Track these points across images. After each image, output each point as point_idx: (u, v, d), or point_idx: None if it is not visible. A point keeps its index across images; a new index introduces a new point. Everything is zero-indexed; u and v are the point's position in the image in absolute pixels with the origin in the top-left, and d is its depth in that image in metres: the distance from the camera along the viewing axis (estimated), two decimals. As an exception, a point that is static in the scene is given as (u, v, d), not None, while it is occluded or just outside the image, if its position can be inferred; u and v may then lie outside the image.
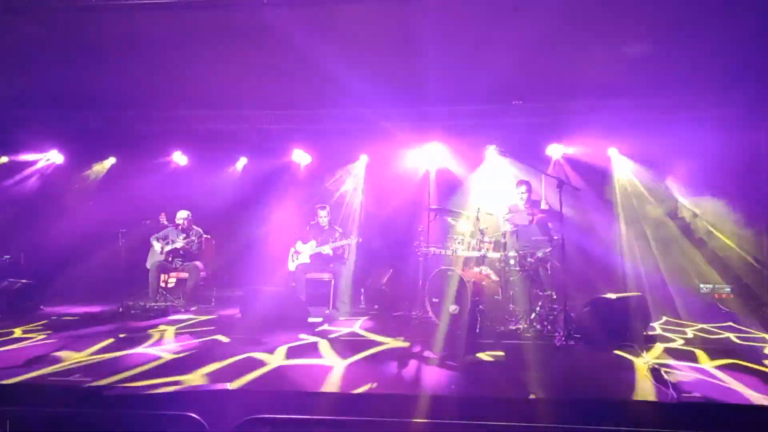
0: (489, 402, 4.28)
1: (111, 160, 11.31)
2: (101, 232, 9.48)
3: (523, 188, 7.70)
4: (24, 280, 8.32)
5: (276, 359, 5.44)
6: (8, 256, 9.07)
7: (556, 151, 10.12)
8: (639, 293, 6.97)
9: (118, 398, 3.72)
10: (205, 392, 3.88)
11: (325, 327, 7.21)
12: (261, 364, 5.25)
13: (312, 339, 6.41)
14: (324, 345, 6.10)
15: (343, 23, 7.32)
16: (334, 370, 5.03)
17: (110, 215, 9.88)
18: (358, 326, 7.30)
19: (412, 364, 5.33)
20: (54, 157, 11.39)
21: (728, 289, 8.39)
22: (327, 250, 8.54)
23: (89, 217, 11.41)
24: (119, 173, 11.25)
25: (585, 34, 7.39)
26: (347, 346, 6.07)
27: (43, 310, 8.23)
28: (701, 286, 8.68)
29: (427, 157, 10.43)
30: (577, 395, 4.40)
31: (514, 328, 6.66)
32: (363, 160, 11.01)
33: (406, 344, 6.12)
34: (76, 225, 11.45)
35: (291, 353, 5.72)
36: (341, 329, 7.06)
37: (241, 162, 11.44)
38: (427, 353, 5.77)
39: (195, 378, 4.59)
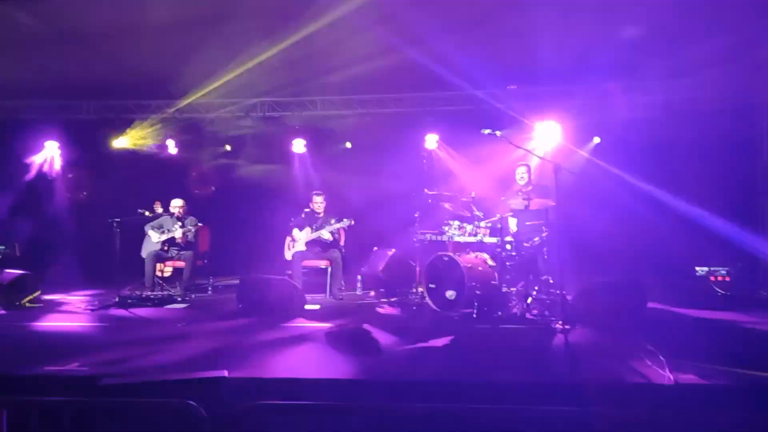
0: (488, 386, 4.29)
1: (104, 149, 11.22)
2: (96, 221, 9.44)
3: (523, 170, 7.66)
4: (20, 271, 8.28)
5: (274, 346, 5.44)
6: (3, 247, 9.01)
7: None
8: (633, 276, 6.98)
9: (116, 386, 3.71)
10: (204, 379, 3.88)
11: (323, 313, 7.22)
12: (259, 351, 5.25)
13: (309, 324, 6.42)
14: (321, 331, 6.11)
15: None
16: (331, 354, 5.03)
17: (105, 204, 9.85)
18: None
19: (412, 349, 5.34)
20: (48, 146, 11.34)
21: (724, 272, 8.38)
22: (326, 234, 8.49)
23: (84, 206, 11.42)
24: (113, 162, 11.19)
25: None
26: (345, 331, 6.09)
27: (41, 301, 8.19)
28: (697, 268, 8.69)
29: (424, 142, 10.43)
30: (574, 379, 4.42)
31: (510, 313, 6.68)
32: (356, 145, 11.00)
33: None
34: (71, 215, 11.45)
35: (291, 339, 5.72)
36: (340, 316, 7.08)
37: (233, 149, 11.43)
38: (426, 338, 5.78)
39: (192, 365, 4.60)
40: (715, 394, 3.97)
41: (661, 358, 4.75)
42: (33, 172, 11.51)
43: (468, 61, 8.83)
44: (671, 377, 4.19)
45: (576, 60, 8.80)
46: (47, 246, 11.02)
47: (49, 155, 11.50)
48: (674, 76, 9.65)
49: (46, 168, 11.56)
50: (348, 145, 11.12)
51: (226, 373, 4.03)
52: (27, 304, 7.77)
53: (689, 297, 8.12)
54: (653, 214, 9.87)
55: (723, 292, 8.05)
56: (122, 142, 10.92)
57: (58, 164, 11.59)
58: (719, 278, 8.33)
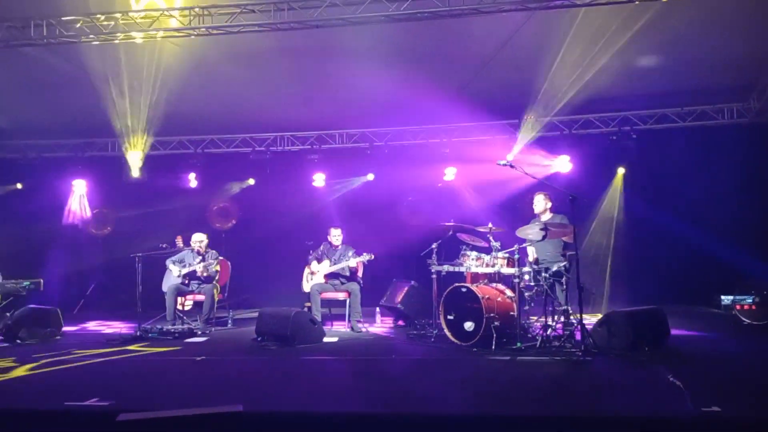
0: (507, 419, 4.23)
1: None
2: (119, 256, 9.62)
3: (541, 198, 7.64)
4: (44, 306, 8.42)
5: (292, 379, 5.44)
6: (28, 282, 9.17)
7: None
8: (656, 306, 6.87)
9: (134, 422, 3.74)
10: (219, 414, 3.89)
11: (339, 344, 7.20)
12: (277, 384, 5.26)
13: (328, 357, 6.40)
14: (340, 363, 6.08)
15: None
16: (349, 387, 5.01)
17: (127, 239, 10.05)
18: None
19: (430, 381, 5.30)
20: (74, 183, 11.65)
21: (750, 300, 8.20)
22: (351, 263, 8.52)
23: (107, 242, 11.63)
24: (137, 198, 11.42)
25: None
26: (363, 364, 6.07)
27: (63, 336, 8.30)
28: (722, 297, 8.53)
29: (440, 173, 10.50)
30: (596, 411, 4.34)
31: (530, 344, 6.59)
32: (372, 177, 11.10)
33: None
34: (95, 250, 11.67)
35: (309, 372, 5.72)
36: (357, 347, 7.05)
37: (254, 183, 11.60)
38: (445, 371, 5.74)
39: (209, 399, 4.62)
40: (739, 426, 3.87)
41: (684, 389, 4.66)
42: (59, 209, 11.79)
43: (484, 92, 8.95)
44: (694, 409, 4.10)
45: (593, 91, 8.85)
46: (71, 281, 11.23)
47: (75, 192, 11.79)
48: (693, 104, 9.66)
49: (72, 205, 11.85)
50: (370, 177, 11.21)
51: (241, 408, 4.04)
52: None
53: (714, 326, 7.97)
54: (676, 242, 9.78)
55: (749, 321, 7.86)
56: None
57: (84, 201, 11.87)
58: (745, 307, 8.15)
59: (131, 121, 9.71)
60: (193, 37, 7.15)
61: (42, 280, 9.10)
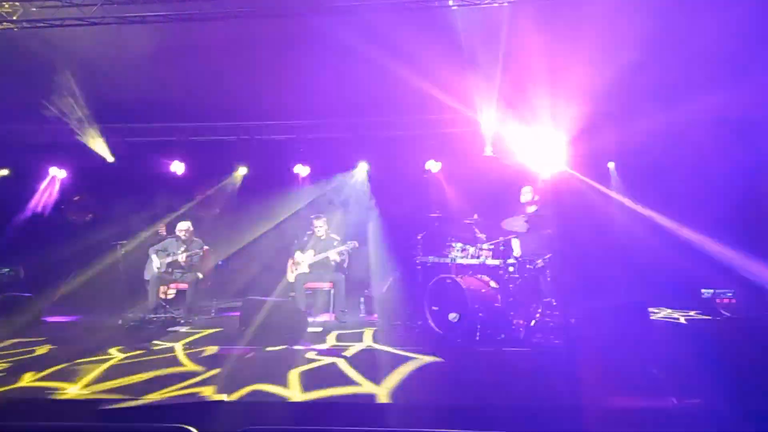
0: (490, 410, 4.26)
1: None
2: (101, 244, 9.50)
3: (528, 189, 7.66)
4: (23, 293, 8.31)
5: (276, 369, 5.41)
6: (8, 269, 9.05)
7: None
8: (638, 300, 6.93)
9: (115, 411, 3.70)
10: (203, 404, 3.87)
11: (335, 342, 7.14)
12: (260, 374, 5.23)
13: (312, 347, 6.38)
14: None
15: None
16: (332, 378, 5.00)
17: (110, 227, 9.92)
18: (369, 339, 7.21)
19: (413, 372, 5.31)
20: (54, 169, 11.46)
21: (730, 294, 8.29)
22: (333, 255, 8.47)
23: (89, 229, 11.47)
24: (118, 184, 11.27)
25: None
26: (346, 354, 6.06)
27: (45, 323, 8.20)
28: (702, 290, 8.62)
29: (426, 165, 10.47)
30: (578, 402, 4.38)
31: (514, 335, 6.63)
32: (362, 167, 11.04)
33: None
34: (75, 237, 11.50)
35: (293, 362, 5.69)
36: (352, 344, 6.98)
37: (241, 172, 11.48)
38: (429, 361, 5.75)
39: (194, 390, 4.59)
40: (719, 418, 3.93)
41: (666, 381, 4.72)
42: (39, 195, 11.61)
43: (469, 83, 8.89)
44: (674, 399, 4.15)
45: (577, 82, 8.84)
46: (52, 268, 11.06)
47: (54, 178, 11.61)
48: (674, 98, 9.68)
49: (52, 191, 11.66)
50: (364, 166, 11.13)
51: (225, 398, 4.02)
52: None
53: (695, 319, 8.07)
54: (657, 236, 9.84)
55: (729, 314, 7.97)
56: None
57: (64, 187, 11.69)
58: (725, 300, 8.25)
59: (95, 107, 9.58)
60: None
61: (22, 268, 8.97)
